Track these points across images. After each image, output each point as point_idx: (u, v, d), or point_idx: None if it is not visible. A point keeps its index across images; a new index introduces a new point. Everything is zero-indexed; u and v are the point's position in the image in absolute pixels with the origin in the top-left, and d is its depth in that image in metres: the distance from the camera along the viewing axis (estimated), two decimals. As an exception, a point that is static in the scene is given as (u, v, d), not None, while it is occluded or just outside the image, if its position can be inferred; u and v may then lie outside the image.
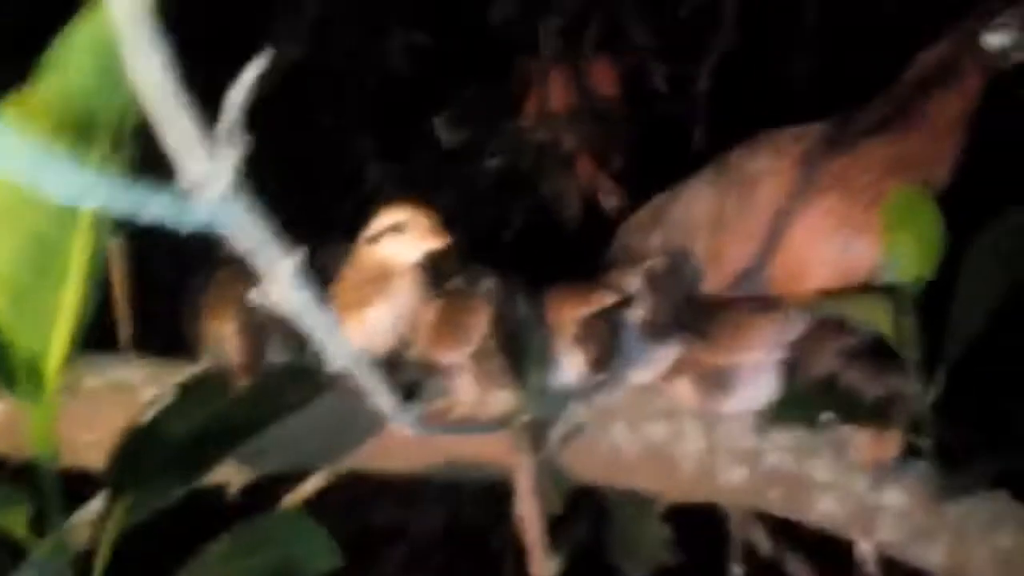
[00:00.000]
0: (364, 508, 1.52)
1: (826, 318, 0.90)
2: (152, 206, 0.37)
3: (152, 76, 0.37)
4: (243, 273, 0.84)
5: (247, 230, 0.41)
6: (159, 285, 0.86)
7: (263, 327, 0.80)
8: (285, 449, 0.83)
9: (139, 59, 0.36)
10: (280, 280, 0.43)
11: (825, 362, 0.91)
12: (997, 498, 0.95)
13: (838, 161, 0.91)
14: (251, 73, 0.38)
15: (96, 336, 0.77)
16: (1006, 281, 0.84)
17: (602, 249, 1.11)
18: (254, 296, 0.44)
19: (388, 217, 0.86)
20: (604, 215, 1.53)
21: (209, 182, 0.39)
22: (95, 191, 0.35)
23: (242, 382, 0.72)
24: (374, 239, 0.87)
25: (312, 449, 0.85)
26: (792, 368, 0.92)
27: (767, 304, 0.92)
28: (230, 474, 0.83)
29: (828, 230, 0.91)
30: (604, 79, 1.51)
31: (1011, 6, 0.94)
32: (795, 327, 0.90)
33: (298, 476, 0.91)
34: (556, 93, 1.48)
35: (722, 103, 1.59)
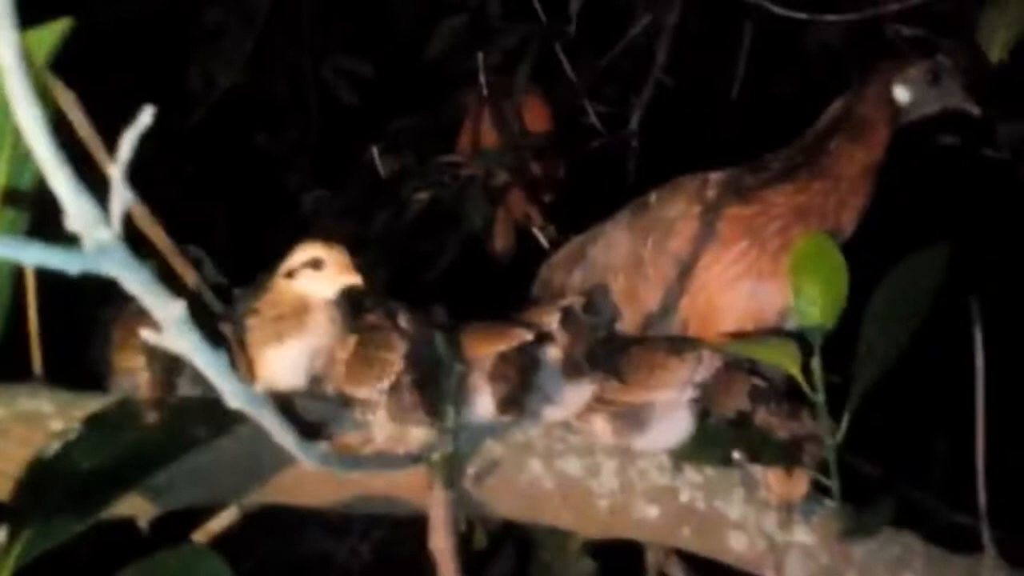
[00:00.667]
0: (292, 537, 1.51)
1: (736, 359, 0.92)
2: (38, 253, 0.37)
3: (34, 124, 0.38)
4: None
5: (134, 276, 0.41)
6: (69, 314, 0.86)
7: (173, 361, 0.80)
8: (196, 482, 0.83)
9: (23, 110, 0.37)
10: (169, 325, 0.44)
11: (736, 402, 0.93)
12: (903, 538, 0.97)
13: (748, 209, 0.94)
14: (134, 132, 0.39)
15: (4, 366, 0.77)
16: (908, 325, 0.87)
17: (533, 282, 1.13)
18: (148, 336, 0.45)
19: (305, 253, 0.87)
20: (536, 248, 1.55)
21: (95, 228, 0.39)
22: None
23: (151, 416, 0.72)
24: (291, 274, 0.88)
25: (223, 482, 0.84)
26: (704, 407, 0.94)
27: (680, 344, 0.94)
28: (141, 507, 0.82)
29: (738, 276, 0.93)
30: (537, 115, 1.53)
31: (921, 61, 0.98)
32: (707, 368, 0.92)
33: (212, 508, 0.91)
34: (488, 128, 1.49)
35: (654, 138, 1.62)
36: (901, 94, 0.97)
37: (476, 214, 1.40)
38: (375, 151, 1.61)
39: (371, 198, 1.60)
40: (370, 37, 2.03)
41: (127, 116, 0.41)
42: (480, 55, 1.52)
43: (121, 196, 0.41)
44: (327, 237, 1.54)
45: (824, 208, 0.94)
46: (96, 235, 0.39)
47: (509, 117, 1.48)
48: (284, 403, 0.82)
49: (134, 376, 0.80)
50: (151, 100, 0.42)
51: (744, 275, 0.94)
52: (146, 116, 0.43)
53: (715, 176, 0.98)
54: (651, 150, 1.62)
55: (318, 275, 0.86)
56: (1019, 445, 1.18)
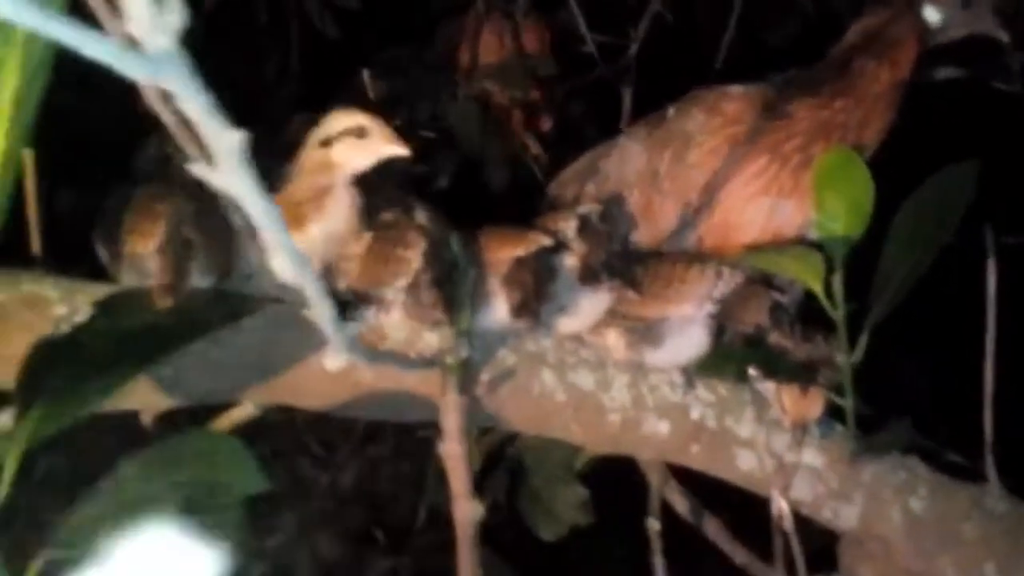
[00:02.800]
0: (272, 464, 1.49)
1: (754, 277, 0.91)
2: (96, 47, 0.34)
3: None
4: (163, 193, 0.80)
5: (191, 93, 0.38)
6: (71, 201, 0.82)
7: (186, 248, 0.76)
8: (204, 377, 0.80)
9: None
10: (224, 157, 0.40)
11: (755, 318, 0.91)
12: (910, 463, 0.96)
13: (769, 124, 0.91)
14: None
15: (6, 249, 0.73)
16: (935, 241, 0.85)
17: (528, 208, 1.10)
18: (198, 171, 0.41)
19: (345, 119, 0.83)
20: (531, 175, 1.52)
21: (156, 31, 0.36)
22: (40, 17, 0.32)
23: (163, 301, 0.68)
24: (328, 142, 0.84)
25: (232, 379, 0.81)
26: (719, 324, 0.92)
27: (698, 259, 0.91)
28: (147, 401, 0.79)
29: (757, 192, 0.91)
30: (536, 39, 1.49)
31: None
32: (727, 283, 0.90)
33: (218, 409, 0.87)
34: (487, 49, 1.45)
35: (652, 68, 1.60)
36: (931, 14, 0.95)
37: (473, 135, 1.36)
38: (365, 74, 1.56)
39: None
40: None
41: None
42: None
43: (178, 8, 0.37)
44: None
45: (847, 125, 0.91)
46: (159, 42, 0.36)
47: (508, 39, 1.44)
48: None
49: (144, 262, 0.76)
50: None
51: (764, 191, 0.91)
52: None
53: (735, 89, 0.95)
54: (647, 83, 1.60)
55: (361, 143, 0.82)
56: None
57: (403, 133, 1.44)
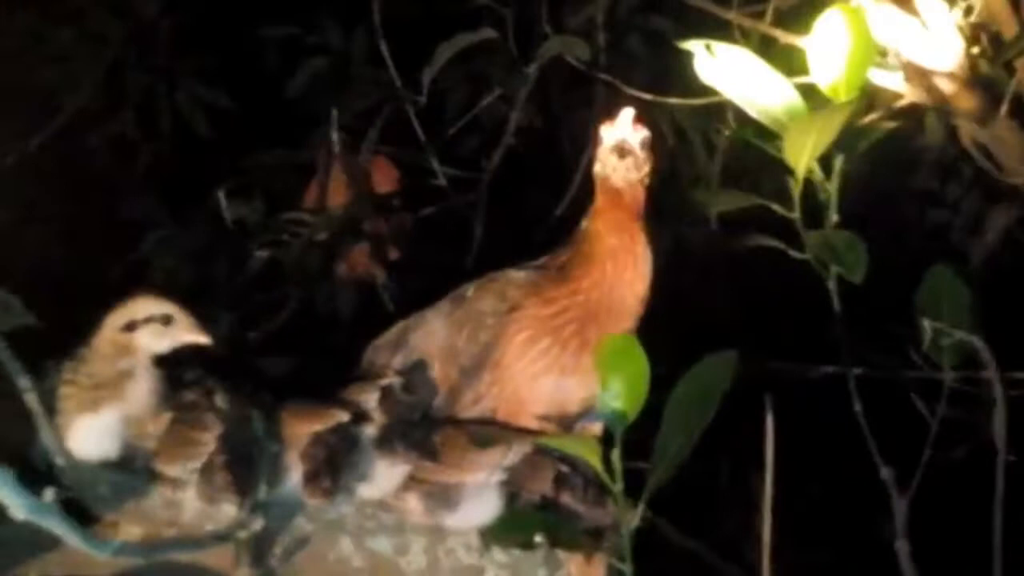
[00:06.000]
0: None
1: (544, 447, 0.97)
2: None
3: None
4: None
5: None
6: None
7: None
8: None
9: None
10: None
11: (542, 486, 0.97)
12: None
13: (545, 309, 0.99)
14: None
15: None
16: (699, 423, 0.93)
17: (374, 337, 1.15)
18: None
19: (150, 306, 0.87)
20: (381, 304, 1.57)
21: None
22: None
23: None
24: (131, 326, 0.87)
25: (19, 555, 0.83)
26: (512, 491, 0.98)
27: (492, 430, 0.98)
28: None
29: (541, 372, 0.99)
30: (385, 175, 1.56)
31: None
32: (516, 453, 0.97)
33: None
34: (337, 185, 1.51)
35: (501, 200, 1.67)
36: (598, 166, 0.99)
37: (314, 273, 1.42)
38: (221, 195, 1.60)
39: (215, 242, 1.59)
40: (232, 71, 2.02)
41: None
42: (334, 111, 1.54)
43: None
44: (167, 282, 1.53)
45: (606, 299, 0.98)
46: None
47: (357, 176, 1.50)
48: (93, 476, 0.82)
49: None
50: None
51: (547, 371, 0.99)
52: None
53: (517, 276, 1.02)
54: (498, 211, 1.67)
55: (165, 331, 0.86)
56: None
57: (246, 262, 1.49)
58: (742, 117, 1.39)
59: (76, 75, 1.95)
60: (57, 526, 0.54)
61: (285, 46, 1.95)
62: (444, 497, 0.97)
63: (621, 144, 0.98)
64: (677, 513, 1.01)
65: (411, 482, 0.97)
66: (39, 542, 0.83)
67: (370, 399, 0.94)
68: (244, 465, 0.88)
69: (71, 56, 1.97)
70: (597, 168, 1.00)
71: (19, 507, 0.51)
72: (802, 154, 1.09)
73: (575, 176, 1.59)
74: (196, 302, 1.51)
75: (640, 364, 0.93)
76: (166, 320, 0.87)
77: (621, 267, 0.99)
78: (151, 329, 0.87)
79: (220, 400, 0.89)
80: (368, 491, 0.96)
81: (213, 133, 2.00)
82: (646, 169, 1.00)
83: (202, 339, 0.87)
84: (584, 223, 1.01)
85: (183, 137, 2.00)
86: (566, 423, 1.03)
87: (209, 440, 0.86)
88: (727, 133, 1.43)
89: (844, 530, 1.50)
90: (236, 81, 1.98)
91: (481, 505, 0.97)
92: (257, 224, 1.48)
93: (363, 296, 1.56)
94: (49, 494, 0.54)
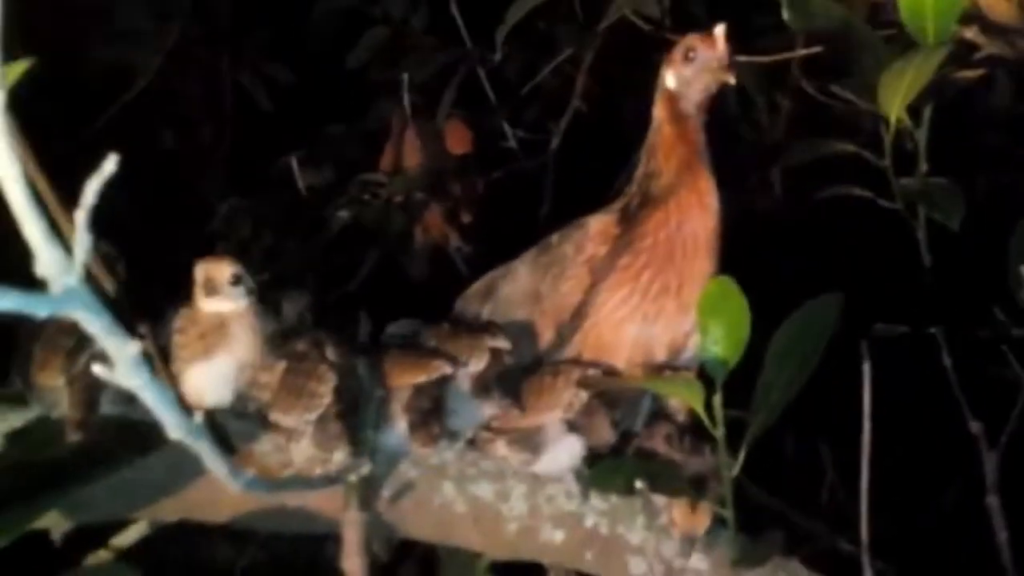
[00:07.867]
0: (194, 544, 1.51)
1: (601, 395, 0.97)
2: (9, 299, 0.39)
3: (10, 171, 0.40)
4: (70, 327, 0.84)
5: (95, 317, 0.43)
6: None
7: (95, 380, 0.80)
8: (115, 498, 0.84)
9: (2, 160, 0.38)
10: (123, 364, 0.46)
11: (601, 435, 0.97)
12: (792, 566, 1.03)
13: (621, 258, 0.98)
14: (98, 181, 0.41)
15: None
16: (803, 367, 0.92)
17: (449, 299, 1.15)
18: (99, 372, 0.46)
19: (224, 268, 0.88)
20: (453, 267, 1.58)
21: (63, 272, 0.41)
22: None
23: (73, 436, 0.73)
24: (214, 290, 0.89)
25: (143, 498, 0.85)
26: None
27: (561, 368, 0.98)
28: (57, 520, 0.82)
29: (623, 319, 0.98)
30: (459, 137, 1.56)
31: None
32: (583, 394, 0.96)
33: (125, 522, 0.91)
34: (411, 149, 1.52)
35: (571, 163, 1.67)
36: (669, 80, 0.99)
37: (394, 234, 1.42)
38: (294, 162, 1.62)
39: (289, 210, 1.60)
40: (291, 44, 2.03)
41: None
42: (405, 76, 1.54)
43: (84, 242, 0.43)
44: (241, 249, 1.55)
45: (677, 238, 0.97)
46: (64, 280, 0.41)
47: (431, 139, 1.51)
48: (211, 421, 0.83)
49: (54, 395, 0.80)
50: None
51: (629, 318, 0.98)
52: (110, 164, 0.45)
53: (595, 224, 1.02)
54: (567, 174, 1.67)
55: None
56: (901, 476, 1.25)
57: (321, 227, 1.50)
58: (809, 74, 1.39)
59: (142, 52, 1.97)
60: (205, 450, 0.55)
61: (346, 16, 1.96)
62: (527, 442, 0.97)
63: (690, 45, 0.97)
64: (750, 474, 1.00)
65: (498, 428, 0.97)
66: (161, 485, 0.85)
67: (480, 362, 0.94)
68: (354, 413, 0.89)
69: (137, 33, 1.99)
70: (669, 80, 0.98)
71: (175, 427, 0.51)
72: (895, 99, 1.09)
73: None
74: (273, 267, 1.53)
75: (740, 307, 0.93)
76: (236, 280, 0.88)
77: (685, 204, 0.98)
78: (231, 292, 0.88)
79: (331, 352, 0.90)
80: (464, 434, 0.97)
81: (274, 107, 2.02)
82: (710, 80, 0.98)
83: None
84: (644, 163, 1.01)
85: (246, 112, 2.02)
86: (653, 368, 1.03)
87: (325, 392, 0.87)
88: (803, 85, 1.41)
89: (924, 490, 1.50)
90: (295, 56, 2.00)
91: (564, 449, 0.97)
92: (333, 188, 1.49)
93: (437, 259, 1.57)
94: (199, 416, 0.54)
